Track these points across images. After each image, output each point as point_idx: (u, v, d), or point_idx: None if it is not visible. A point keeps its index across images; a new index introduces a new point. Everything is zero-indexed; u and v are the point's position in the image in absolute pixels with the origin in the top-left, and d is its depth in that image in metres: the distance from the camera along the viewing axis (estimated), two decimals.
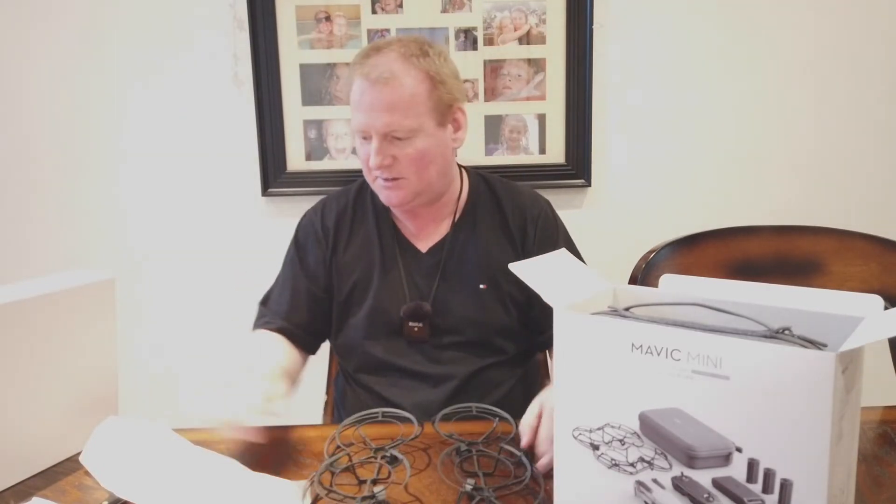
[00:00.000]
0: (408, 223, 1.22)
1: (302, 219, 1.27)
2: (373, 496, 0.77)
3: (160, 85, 1.75)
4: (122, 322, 1.90)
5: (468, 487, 0.79)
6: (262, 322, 1.22)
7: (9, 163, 1.78)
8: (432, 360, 1.19)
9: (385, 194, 1.14)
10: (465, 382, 1.18)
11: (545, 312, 1.15)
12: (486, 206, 1.24)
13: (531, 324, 1.22)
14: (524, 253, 1.21)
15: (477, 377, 1.18)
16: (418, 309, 1.17)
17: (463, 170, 1.26)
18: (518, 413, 0.97)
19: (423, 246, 1.21)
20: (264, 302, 1.26)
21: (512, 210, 1.23)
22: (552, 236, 1.24)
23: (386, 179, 1.12)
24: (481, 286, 1.19)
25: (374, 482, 0.82)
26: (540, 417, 0.90)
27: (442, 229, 1.22)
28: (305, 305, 1.22)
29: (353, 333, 1.21)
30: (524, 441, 0.90)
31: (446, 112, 1.13)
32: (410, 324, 1.18)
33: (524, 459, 0.84)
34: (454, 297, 1.19)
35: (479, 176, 1.27)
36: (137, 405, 1.86)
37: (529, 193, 1.27)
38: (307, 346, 1.23)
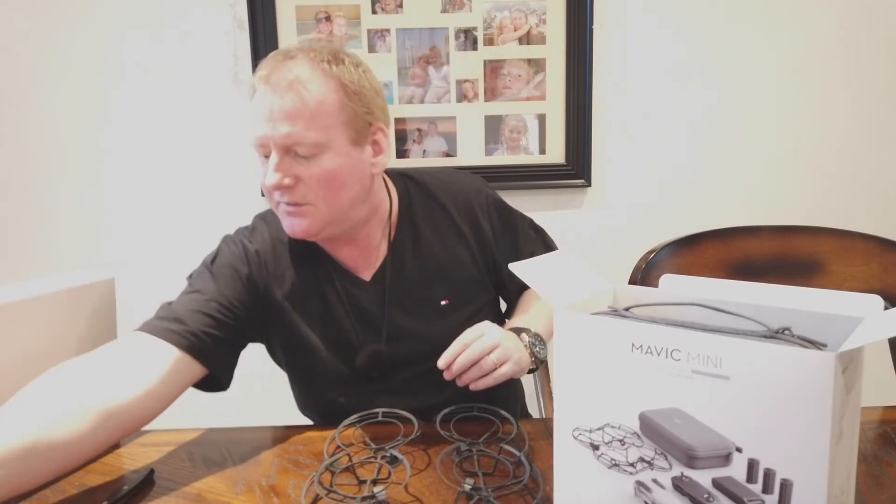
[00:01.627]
0: (342, 253, 1.05)
1: (222, 247, 1.05)
2: (373, 496, 0.77)
3: (160, 85, 1.75)
4: (122, 322, 1.90)
5: (467, 487, 0.79)
6: (160, 326, 0.93)
7: (9, 163, 1.78)
8: (403, 394, 1.06)
9: (288, 222, 0.96)
10: (452, 401, 1.04)
11: (519, 287, 1.14)
12: (424, 210, 1.08)
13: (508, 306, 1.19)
14: (483, 249, 1.10)
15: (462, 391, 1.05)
16: (376, 356, 1.03)
17: (387, 179, 1.09)
18: (508, 409, 0.97)
19: (367, 275, 1.06)
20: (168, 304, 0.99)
21: (456, 207, 1.09)
22: (510, 220, 1.13)
23: (289, 204, 0.94)
24: (443, 302, 1.06)
25: (374, 482, 0.82)
26: (465, 346, 0.90)
27: (381, 252, 1.06)
28: (212, 319, 0.95)
29: (311, 387, 1.09)
30: (440, 362, 0.90)
31: (363, 130, 0.96)
32: (369, 372, 1.04)
33: (524, 459, 0.84)
34: (411, 324, 1.05)
35: (405, 178, 1.11)
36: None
37: (466, 181, 1.13)
38: (212, 365, 0.95)
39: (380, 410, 0.98)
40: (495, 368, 0.90)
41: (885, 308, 0.63)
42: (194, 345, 0.91)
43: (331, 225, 0.98)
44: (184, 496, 0.82)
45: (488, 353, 0.90)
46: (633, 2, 1.74)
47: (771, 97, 1.79)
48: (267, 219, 1.08)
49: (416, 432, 0.92)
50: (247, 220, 1.79)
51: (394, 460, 0.86)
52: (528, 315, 1.08)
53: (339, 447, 0.91)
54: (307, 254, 1.05)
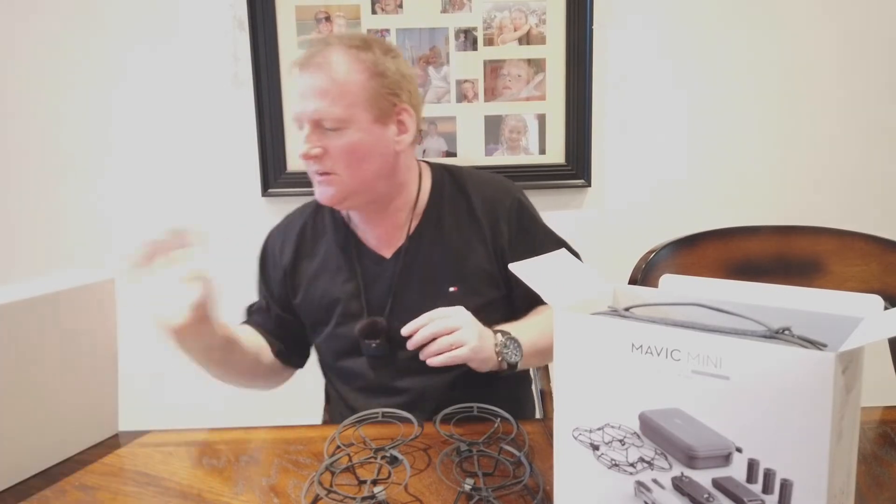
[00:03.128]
0: (368, 231, 1.16)
1: (268, 238, 1.26)
2: (373, 496, 0.77)
3: (160, 85, 1.75)
4: (122, 322, 1.90)
5: (467, 487, 0.79)
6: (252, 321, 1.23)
7: (9, 163, 1.78)
8: (401, 373, 1.13)
9: (318, 190, 1.09)
10: (451, 388, 1.12)
11: (529, 295, 1.14)
12: (452, 201, 1.16)
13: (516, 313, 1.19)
14: (497, 247, 1.15)
15: (461, 379, 1.12)
16: (373, 326, 1.11)
17: (425, 166, 1.19)
18: (509, 411, 0.97)
19: (388, 252, 1.15)
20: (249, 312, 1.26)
21: (481, 204, 1.15)
22: (530, 229, 1.18)
23: (319, 174, 1.06)
24: (451, 289, 1.12)
25: (374, 482, 0.82)
26: (430, 320, 0.96)
27: (405, 233, 1.15)
28: (274, 320, 1.21)
29: (322, 353, 1.21)
30: (404, 329, 0.97)
31: (387, 110, 1.06)
32: (367, 341, 1.12)
33: (524, 459, 0.84)
34: (416, 304, 1.09)
35: (443, 169, 1.19)
36: (137, 405, 1.86)
37: (500, 186, 1.20)
38: (290, 360, 1.23)
39: (380, 411, 0.98)
40: (451, 349, 0.95)
41: (885, 308, 0.63)
42: (282, 355, 1.20)
43: (354, 195, 1.08)
44: (184, 496, 0.82)
45: (447, 333, 0.95)
46: (633, 2, 1.74)
47: (771, 97, 1.79)
48: (297, 211, 1.25)
49: (417, 433, 0.92)
50: (247, 219, 1.80)
51: (394, 460, 0.86)
52: (521, 323, 1.11)
53: (339, 447, 0.91)
54: (330, 236, 1.18)
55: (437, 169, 1.19)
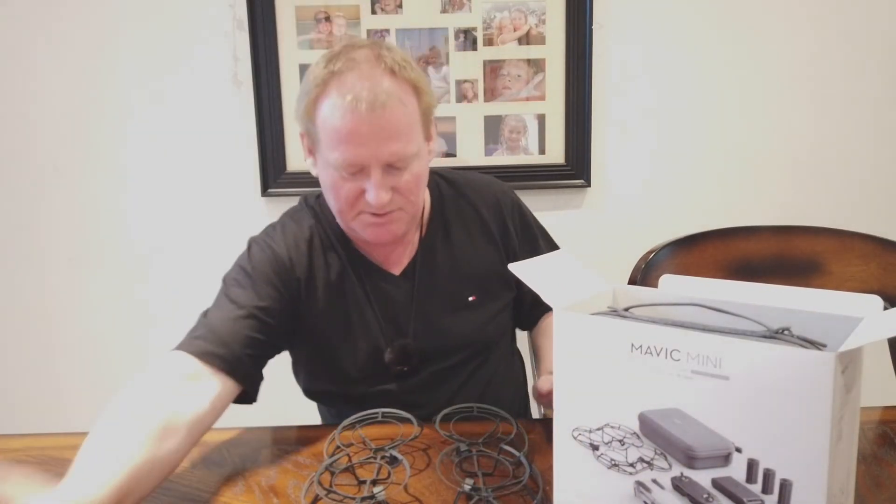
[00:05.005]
0: (374, 249, 1.06)
1: (253, 247, 1.04)
2: (372, 496, 0.77)
3: (160, 85, 1.75)
4: (122, 322, 1.90)
5: (466, 487, 0.79)
6: (195, 347, 0.90)
7: (10, 163, 1.77)
8: (429, 390, 1.07)
9: (374, 232, 0.97)
10: (478, 401, 1.05)
11: (537, 303, 1.14)
12: (456, 207, 1.10)
13: (523, 319, 1.20)
14: (507, 248, 1.12)
15: (487, 392, 1.12)
16: (403, 351, 1.04)
17: None
18: (505, 406, 0.98)
19: (397, 269, 1.07)
20: (205, 315, 0.99)
21: (487, 209, 1.10)
22: (529, 228, 1.16)
23: (376, 215, 0.95)
24: (470, 298, 1.08)
25: (374, 482, 0.82)
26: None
27: (411, 247, 1.07)
28: (251, 337, 0.94)
29: (335, 379, 1.07)
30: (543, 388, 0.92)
31: (428, 125, 0.99)
32: (398, 367, 1.04)
33: (523, 459, 0.84)
34: (439, 318, 1.06)
35: (435, 175, 1.12)
36: None
37: (498, 187, 1.15)
38: (248, 384, 0.94)
39: (380, 411, 0.98)
40: None
41: (885, 308, 0.63)
42: (237, 369, 0.91)
43: (410, 224, 1.01)
44: (184, 496, 0.82)
45: None
46: (633, 2, 1.74)
47: (771, 97, 1.79)
48: (296, 217, 1.08)
49: (416, 433, 0.92)
50: (247, 219, 1.80)
51: (393, 461, 0.86)
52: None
53: (338, 447, 0.91)
54: (337, 251, 1.05)
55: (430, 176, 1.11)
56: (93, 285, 1.83)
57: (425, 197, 1.08)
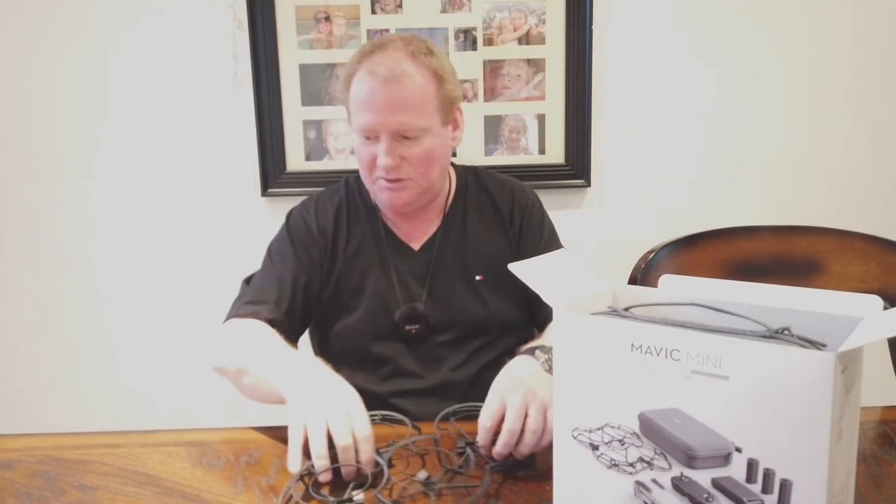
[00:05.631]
0: (400, 224, 1.20)
1: (291, 217, 1.22)
2: (350, 499, 0.77)
3: (159, 85, 1.75)
4: (122, 322, 1.90)
5: (421, 477, 0.81)
6: (248, 310, 1.10)
7: (9, 163, 1.78)
8: (432, 360, 1.17)
9: (388, 196, 1.12)
10: (470, 386, 1.16)
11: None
12: (476, 197, 1.23)
13: (538, 317, 1.22)
14: (520, 244, 1.21)
15: (480, 378, 1.15)
16: (412, 312, 1.16)
17: (451, 166, 1.25)
18: None
19: (416, 244, 1.20)
20: (247, 283, 1.18)
21: (501, 198, 1.22)
22: (537, 226, 1.23)
23: (390, 181, 1.09)
24: (477, 277, 1.18)
25: (355, 487, 0.81)
26: (501, 418, 0.85)
27: (433, 226, 1.21)
28: (295, 297, 1.14)
29: (348, 335, 1.18)
30: (481, 440, 0.86)
31: (449, 111, 1.12)
32: (407, 327, 1.16)
33: (471, 452, 0.86)
34: (449, 292, 1.18)
35: (467, 169, 1.26)
36: (137, 405, 1.86)
37: (519, 185, 1.27)
38: (293, 340, 1.14)
39: (379, 413, 0.97)
40: (541, 440, 0.85)
41: (885, 308, 0.63)
42: (282, 326, 1.10)
43: (422, 196, 1.13)
44: (184, 496, 0.82)
45: (522, 427, 0.85)
46: (633, 2, 1.74)
47: (771, 97, 1.79)
48: (330, 191, 1.24)
49: (410, 439, 0.91)
50: (247, 219, 1.80)
51: (376, 465, 0.85)
52: (545, 336, 1.13)
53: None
54: (363, 222, 1.20)
55: (460, 168, 1.26)
56: (92, 285, 1.83)
57: (451, 182, 1.22)
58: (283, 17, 1.70)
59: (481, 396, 1.00)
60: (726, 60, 1.77)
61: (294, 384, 0.90)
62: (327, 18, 1.72)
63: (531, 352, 0.99)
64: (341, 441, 0.81)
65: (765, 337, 0.60)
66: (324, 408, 0.84)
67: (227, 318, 1.12)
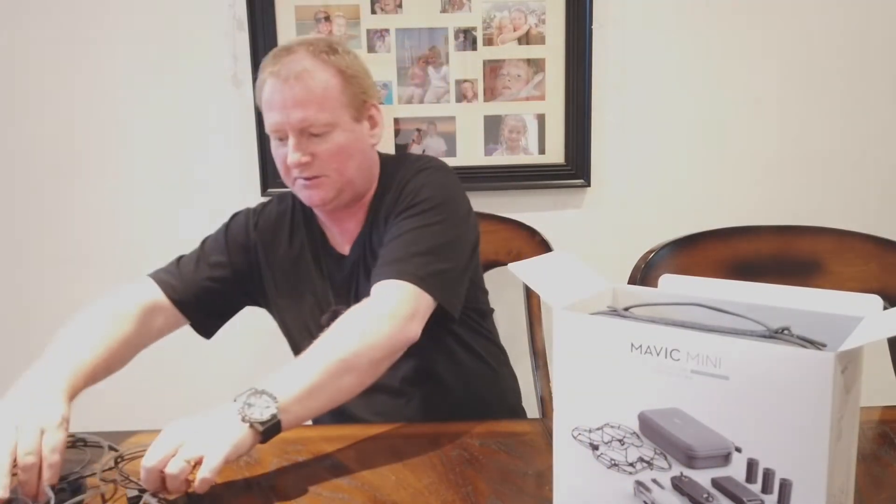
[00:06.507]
0: (333, 228, 1.20)
1: (234, 218, 1.26)
2: None
3: (159, 85, 1.74)
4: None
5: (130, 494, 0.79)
6: (158, 276, 1.18)
7: (7, 162, 1.77)
8: None
9: (306, 194, 1.12)
10: (421, 385, 1.16)
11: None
12: (386, 190, 1.18)
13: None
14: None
15: (433, 377, 1.16)
16: (334, 315, 1.06)
17: (382, 163, 1.22)
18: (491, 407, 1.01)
19: (346, 248, 1.20)
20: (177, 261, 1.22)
21: (398, 186, 1.15)
22: (405, 200, 1.13)
23: (306, 178, 1.10)
24: None
25: None
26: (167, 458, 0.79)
27: (359, 228, 1.20)
28: (206, 287, 1.18)
29: (293, 339, 1.22)
30: (147, 484, 0.80)
31: (361, 108, 1.13)
32: None
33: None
34: (368, 293, 1.09)
35: (388, 159, 1.22)
36: (137, 405, 1.86)
37: (416, 160, 1.19)
38: (197, 321, 1.19)
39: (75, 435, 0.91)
40: (188, 477, 0.79)
41: (885, 308, 0.63)
42: (187, 304, 1.17)
43: (342, 193, 1.12)
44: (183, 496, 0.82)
45: (169, 462, 0.79)
46: (633, 2, 1.74)
47: (771, 97, 1.79)
48: (283, 196, 1.27)
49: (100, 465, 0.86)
50: None
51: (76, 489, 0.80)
52: (291, 365, 0.95)
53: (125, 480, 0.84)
54: (303, 230, 1.22)
55: (384, 161, 1.22)
56: (91, 285, 1.82)
57: (372, 181, 1.19)
58: (282, 17, 1.70)
59: (440, 391, 1.04)
60: (726, 60, 1.77)
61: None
62: (327, 18, 1.72)
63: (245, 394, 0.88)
64: (23, 460, 0.78)
65: (765, 337, 0.60)
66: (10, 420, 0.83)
67: (147, 275, 1.18)
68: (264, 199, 1.76)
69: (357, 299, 1.09)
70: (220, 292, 1.19)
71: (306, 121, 1.06)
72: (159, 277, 1.17)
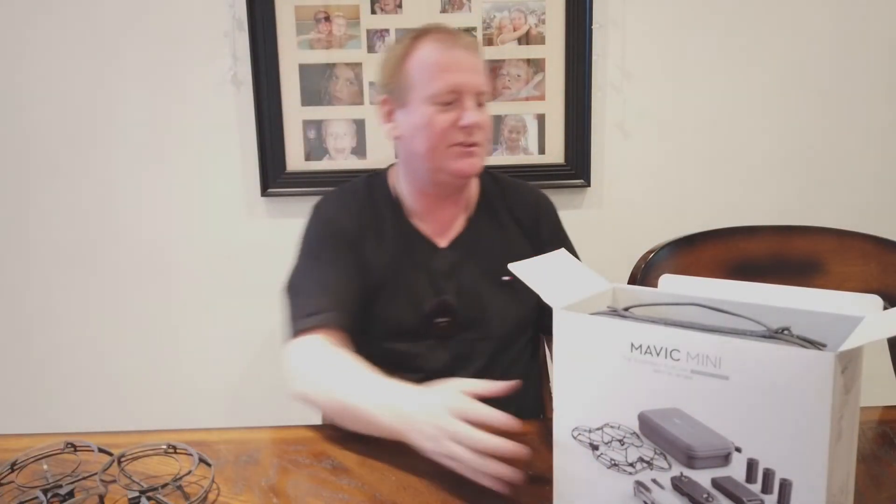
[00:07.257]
0: (426, 218, 1.20)
1: (322, 214, 1.19)
2: None
3: (159, 85, 1.74)
4: (124, 323, 1.90)
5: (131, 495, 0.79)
6: (315, 321, 1.05)
7: (7, 162, 1.77)
8: (457, 358, 1.17)
9: (466, 162, 1.11)
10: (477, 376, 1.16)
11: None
12: (499, 199, 1.24)
13: (544, 317, 1.23)
14: (537, 249, 1.17)
15: (489, 368, 1.18)
16: (443, 304, 1.16)
17: None
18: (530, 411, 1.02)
19: (442, 241, 1.20)
20: (292, 291, 1.12)
21: (522, 205, 1.25)
22: (560, 234, 1.29)
23: (469, 145, 1.10)
24: (504, 278, 1.17)
25: None
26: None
27: (458, 224, 1.21)
28: (352, 296, 1.12)
29: (375, 332, 1.16)
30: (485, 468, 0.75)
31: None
32: (437, 320, 1.16)
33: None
34: (478, 290, 1.18)
35: (485, 173, 1.26)
36: (137, 405, 1.86)
37: (534, 189, 1.30)
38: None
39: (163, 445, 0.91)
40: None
41: (885, 308, 0.63)
42: (343, 325, 1.08)
43: (482, 161, 1.14)
44: (183, 495, 0.82)
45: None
46: (633, 2, 1.74)
47: (771, 97, 1.79)
48: (352, 189, 1.22)
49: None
50: (247, 219, 1.80)
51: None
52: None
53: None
54: (392, 221, 1.19)
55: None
56: (92, 286, 1.83)
57: (475, 183, 1.23)
58: (282, 17, 1.70)
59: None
60: (726, 60, 1.77)
61: (402, 415, 0.83)
62: (327, 18, 1.72)
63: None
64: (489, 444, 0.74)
65: (765, 337, 0.60)
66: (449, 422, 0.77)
67: (296, 333, 1.05)
68: (264, 199, 1.78)
69: (459, 290, 1.16)
70: (354, 292, 1.14)
71: (483, 86, 1.12)
72: (323, 324, 1.05)
